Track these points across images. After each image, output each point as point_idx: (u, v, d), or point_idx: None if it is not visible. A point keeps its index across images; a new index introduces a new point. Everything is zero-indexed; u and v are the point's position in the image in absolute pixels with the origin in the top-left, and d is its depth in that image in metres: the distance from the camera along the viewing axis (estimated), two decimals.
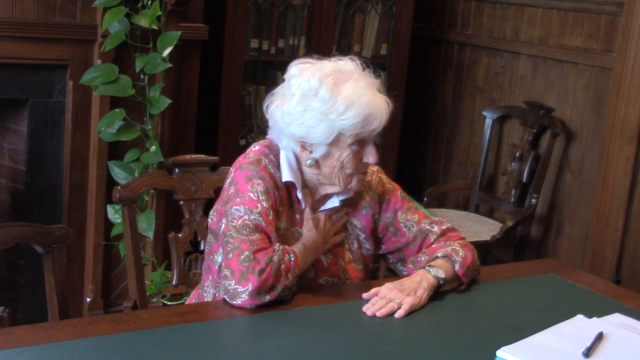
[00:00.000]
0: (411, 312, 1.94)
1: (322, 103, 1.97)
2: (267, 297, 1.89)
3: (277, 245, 1.94)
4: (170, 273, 2.58)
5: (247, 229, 1.93)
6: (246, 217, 1.95)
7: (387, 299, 1.95)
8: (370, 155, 2.05)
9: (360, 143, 2.03)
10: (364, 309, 1.94)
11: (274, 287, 1.90)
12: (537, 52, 4.25)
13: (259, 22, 4.01)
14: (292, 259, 1.95)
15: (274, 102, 2.06)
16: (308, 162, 2.05)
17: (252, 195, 1.99)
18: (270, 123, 2.09)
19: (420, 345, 1.82)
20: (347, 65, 2.04)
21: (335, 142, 2.01)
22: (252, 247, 1.90)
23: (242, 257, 1.89)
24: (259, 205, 1.98)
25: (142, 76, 3.30)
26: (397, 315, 1.92)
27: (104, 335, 1.73)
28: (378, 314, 1.92)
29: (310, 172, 2.09)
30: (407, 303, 1.94)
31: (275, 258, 1.91)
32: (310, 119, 1.99)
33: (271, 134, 2.12)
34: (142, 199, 3.37)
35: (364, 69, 2.05)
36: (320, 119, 1.98)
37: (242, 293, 1.88)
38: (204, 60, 3.68)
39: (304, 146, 2.05)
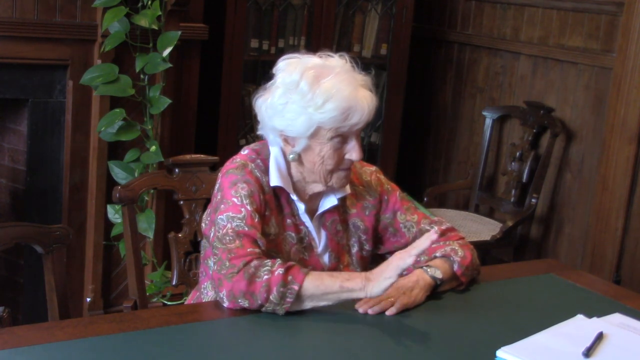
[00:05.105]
0: (404, 311, 1.94)
1: (301, 96, 1.96)
2: (246, 303, 1.85)
3: (272, 260, 1.87)
4: (170, 273, 2.58)
5: (228, 237, 1.92)
6: (229, 225, 1.93)
7: (381, 297, 1.94)
8: (354, 152, 2.01)
9: (342, 138, 2.00)
10: (357, 306, 1.93)
11: (253, 294, 1.84)
12: (537, 52, 4.25)
13: (259, 22, 4.01)
14: (282, 272, 1.83)
15: (262, 96, 2.05)
16: (291, 156, 2.04)
17: (235, 200, 1.97)
18: (258, 117, 2.08)
19: (420, 345, 1.82)
20: (334, 61, 2.02)
21: (314, 136, 1.99)
22: (230, 255, 1.88)
23: (220, 265, 1.89)
24: (242, 209, 1.95)
25: (142, 76, 3.29)
26: (389, 312, 1.92)
27: (104, 335, 1.73)
28: (370, 311, 1.91)
29: (296, 172, 2.07)
30: (399, 302, 1.94)
31: (253, 263, 1.85)
32: (290, 111, 1.97)
33: (260, 129, 2.10)
34: (142, 199, 3.36)
35: (352, 66, 2.02)
36: (299, 112, 1.96)
37: (223, 298, 1.87)
38: (204, 60, 3.68)
39: (286, 140, 2.03)
